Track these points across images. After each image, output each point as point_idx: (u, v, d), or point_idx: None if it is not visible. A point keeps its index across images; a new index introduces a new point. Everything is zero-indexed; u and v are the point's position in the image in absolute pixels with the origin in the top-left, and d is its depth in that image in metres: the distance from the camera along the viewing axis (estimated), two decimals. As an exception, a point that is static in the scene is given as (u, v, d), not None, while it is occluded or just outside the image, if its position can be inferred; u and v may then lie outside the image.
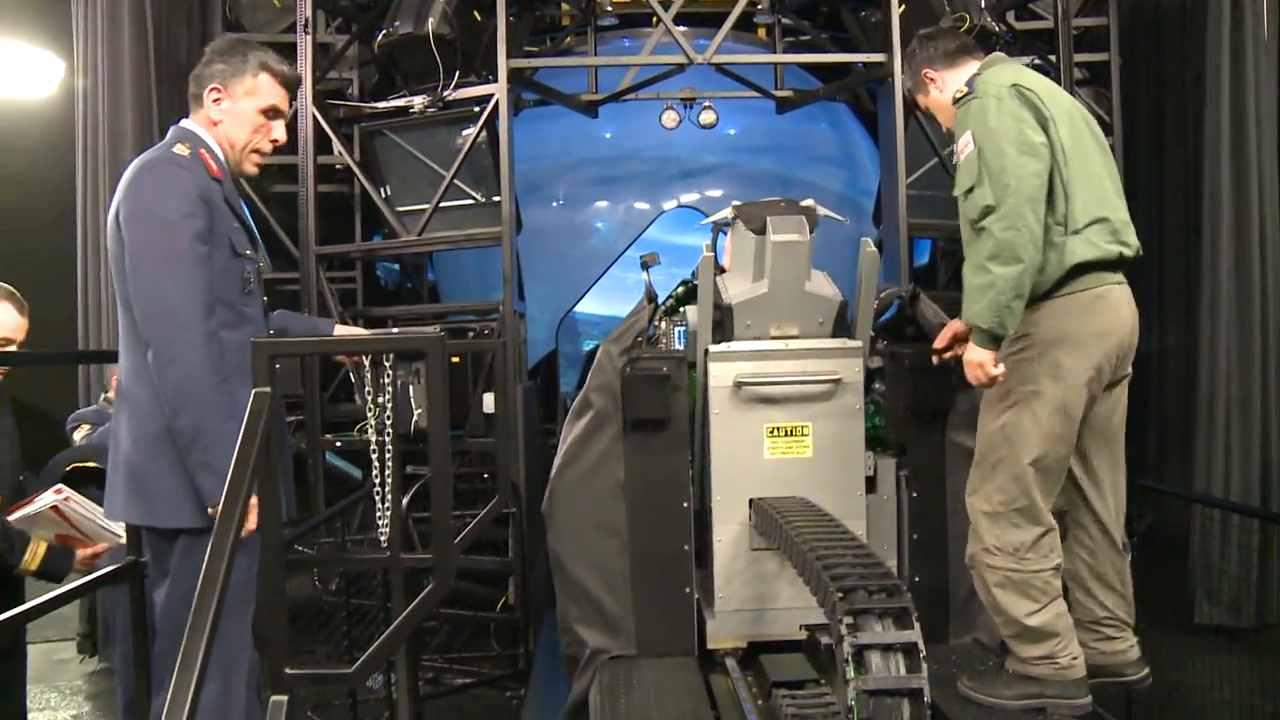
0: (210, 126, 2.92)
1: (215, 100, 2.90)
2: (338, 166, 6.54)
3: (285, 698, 1.83)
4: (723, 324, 3.62)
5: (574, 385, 8.76)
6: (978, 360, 2.92)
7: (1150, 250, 7.34)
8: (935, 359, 3.41)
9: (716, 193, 7.82)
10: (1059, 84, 6.34)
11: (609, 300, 9.52)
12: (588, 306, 8.33)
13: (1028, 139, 2.82)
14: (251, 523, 2.50)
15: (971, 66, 3.17)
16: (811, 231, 3.49)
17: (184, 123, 2.94)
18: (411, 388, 5.43)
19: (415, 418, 5.51)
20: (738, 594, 3.59)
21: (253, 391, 1.89)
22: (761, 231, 3.50)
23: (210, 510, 2.62)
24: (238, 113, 2.91)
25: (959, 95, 3.01)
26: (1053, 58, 6.61)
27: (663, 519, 3.65)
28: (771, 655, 3.45)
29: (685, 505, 3.66)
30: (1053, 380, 2.94)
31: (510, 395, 5.48)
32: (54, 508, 3.39)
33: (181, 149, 2.82)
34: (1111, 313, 2.97)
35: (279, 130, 2.99)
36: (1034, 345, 2.96)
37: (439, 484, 2.06)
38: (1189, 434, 6.53)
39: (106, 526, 3.44)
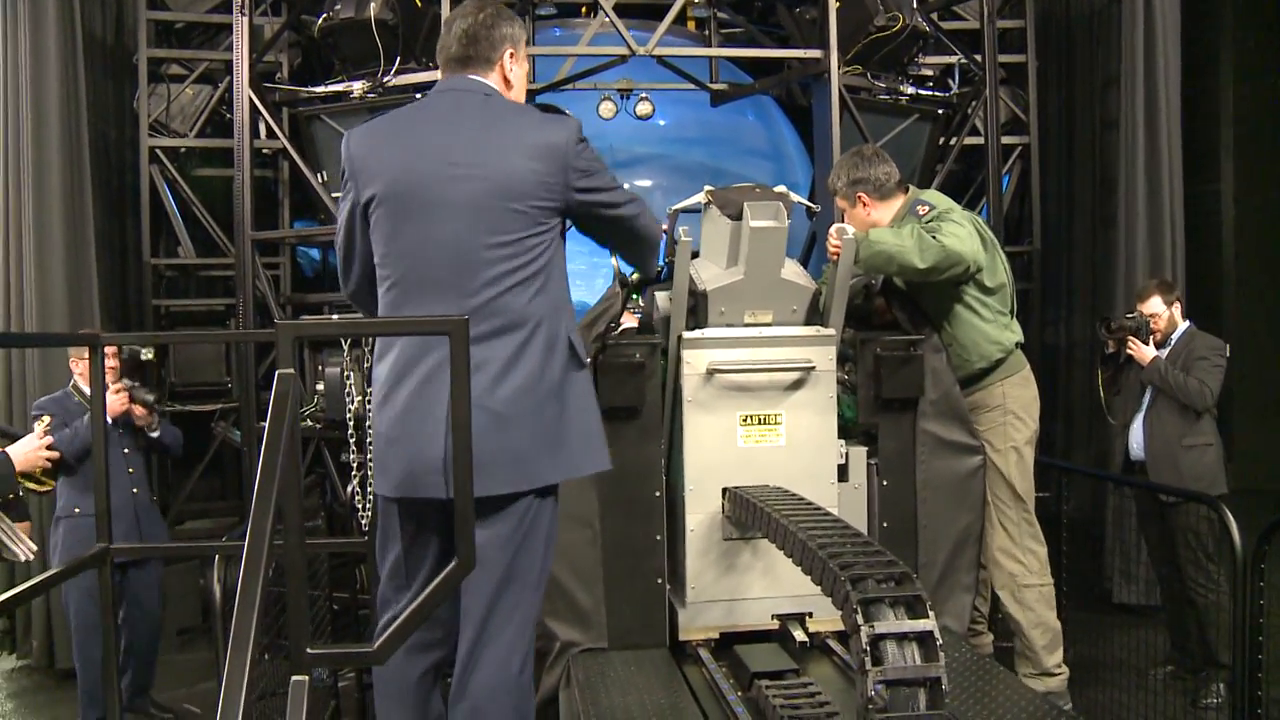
0: (506, 88, 2.76)
1: (512, 63, 2.77)
2: (265, 151, 6.30)
3: (305, 677, 1.75)
4: (696, 310, 3.59)
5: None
6: (843, 238, 3.61)
7: (1061, 242, 7.66)
8: (879, 300, 3.93)
9: (647, 183, 7.79)
10: (985, 84, 6.64)
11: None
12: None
13: (980, 253, 3.71)
14: None
15: (899, 199, 3.95)
16: (787, 218, 3.49)
17: (481, 80, 2.71)
18: (352, 375, 5.30)
19: (355, 405, 5.40)
20: (710, 584, 3.58)
21: (277, 373, 1.79)
22: (738, 217, 3.47)
23: None
24: (521, 76, 2.81)
25: (923, 213, 3.79)
26: (978, 57, 6.78)
27: (635, 508, 3.60)
28: (744, 645, 3.44)
29: (657, 494, 3.62)
30: (1025, 432, 3.93)
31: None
32: None
33: None
34: (1035, 384, 4.04)
35: None
36: (1009, 412, 3.92)
37: (460, 469, 1.99)
38: (1103, 420, 6.77)
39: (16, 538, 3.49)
